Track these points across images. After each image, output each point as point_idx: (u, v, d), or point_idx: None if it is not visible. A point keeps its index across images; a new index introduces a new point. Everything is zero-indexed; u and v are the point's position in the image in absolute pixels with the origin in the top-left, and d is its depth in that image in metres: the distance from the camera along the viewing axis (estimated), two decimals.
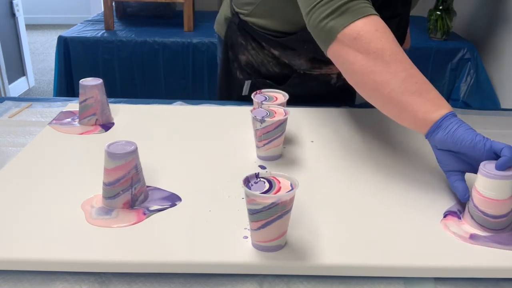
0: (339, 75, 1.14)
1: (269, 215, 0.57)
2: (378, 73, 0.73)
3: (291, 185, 0.60)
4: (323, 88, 1.15)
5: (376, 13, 0.77)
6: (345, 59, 0.76)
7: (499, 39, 2.01)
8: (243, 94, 1.16)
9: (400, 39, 1.09)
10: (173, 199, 0.71)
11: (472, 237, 0.64)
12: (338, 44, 0.76)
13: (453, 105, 1.55)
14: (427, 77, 0.74)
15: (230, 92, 1.20)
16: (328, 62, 1.07)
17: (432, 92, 0.72)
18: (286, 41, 1.05)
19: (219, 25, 1.22)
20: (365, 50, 0.73)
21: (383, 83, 0.73)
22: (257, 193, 0.57)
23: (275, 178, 0.61)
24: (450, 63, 2.08)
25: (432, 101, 0.71)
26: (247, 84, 1.15)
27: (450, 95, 2.12)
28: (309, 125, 1.00)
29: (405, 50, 1.20)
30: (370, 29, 0.75)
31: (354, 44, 0.74)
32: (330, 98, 1.16)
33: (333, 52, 0.78)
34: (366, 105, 1.13)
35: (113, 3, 2.19)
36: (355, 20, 0.75)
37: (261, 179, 0.61)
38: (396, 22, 1.02)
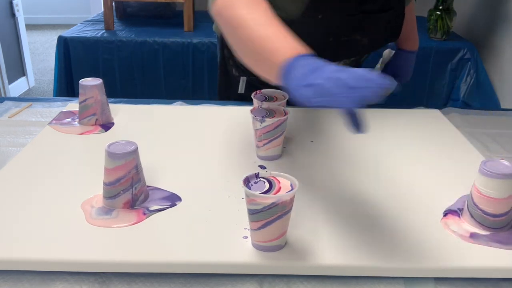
0: None
1: (269, 215, 0.57)
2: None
3: (291, 185, 0.60)
4: None
5: None
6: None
7: (499, 39, 2.01)
8: (239, 91, 1.16)
9: (394, 33, 1.09)
10: (173, 199, 0.71)
11: (473, 236, 0.64)
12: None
13: (453, 105, 1.56)
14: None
15: (228, 90, 1.20)
16: (322, 56, 1.07)
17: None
18: None
19: (217, 24, 1.22)
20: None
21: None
22: (257, 193, 0.57)
23: (275, 178, 0.61)
24: (450, 63, 2.08)
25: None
26: (242, 81, 1.15)
27: (450, 95, 2.12)
28: (309, 125, 1.00)
29: (411, 51, 1.21)
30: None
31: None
32: None
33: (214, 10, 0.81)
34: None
35: (113, 3, 2.19)
36: None
37: (261, 179, 0.61)
38: (387, 16, 1.02)
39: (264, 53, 0.69)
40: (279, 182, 0.60)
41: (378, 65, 1.26)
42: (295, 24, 0.98)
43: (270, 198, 0.57)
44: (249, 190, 0.57)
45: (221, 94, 1.23)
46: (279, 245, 0.61)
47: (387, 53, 1.25)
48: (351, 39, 1.04)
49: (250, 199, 0.58)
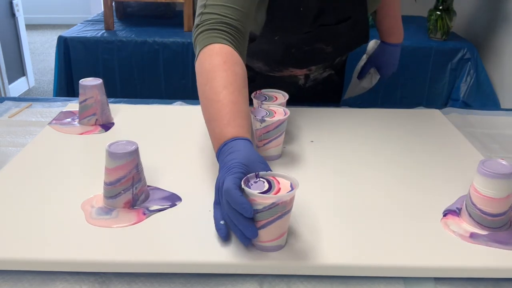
0: (306, 76, 1.15)
1: (270, 215, 0.57)
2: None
3: (291, 185, 0.60)
4: (292, 89, 1.13)
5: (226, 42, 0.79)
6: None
7: (499, 39, 2.01)
8: None
9: (360, 39, 1.10)
10: (173, 199, 0.71)
11: (472, 236, 0.64)
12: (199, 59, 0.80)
13: (453, 105, 1.56)
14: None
15: None
16: (287, 65, 1.08)
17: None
18: None
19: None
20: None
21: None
22: (256, 192, 0.57)
23: (275, 178, 0.61)
24: (450, 63, 2.08)
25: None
26: None
27: (450, 95, 2.12)
28: (309, 125, 1.00)
29: (395, 44, 1.20)
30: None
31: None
32: (303, 99, 1.16)
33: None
34: (364, 105, 1.13)
35: (113, 3, 2.19)
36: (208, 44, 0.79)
37: (261, 179, 0.61)
38: (348, 25, 1.02)
39: (214, 120, 0.72)
40: (279, 183, 0.60)
41: (364, 56, 1.26)
42: (257, 41, 1.00)
43: (271, 198, 0.57)
44: (250, 190, 0.57)
45: None
46: (279, 245, 0.61)
47: (372, 43, 1.25)
48: (315, 47, 1.04)
49: (250, 199, 0.58)
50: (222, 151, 0.67)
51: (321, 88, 1.21)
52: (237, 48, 0.80)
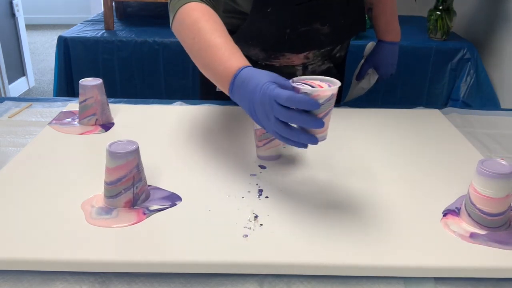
0: (304, 67, 1.14)
1: (327, 107, 0.64)
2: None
3: (328, 85, 0.65)
4: None
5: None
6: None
7: (499, 39, 2.01)
8: (217, 90, 1.17)
9: (356, 22, 1.10)
10: (173, 199, 0.71)
11: (472, 236, 0.64)
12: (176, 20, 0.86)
13: (453, 105, 1.56)
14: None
15: (207, 89, 1.21)
16: (282, 48, 1.07)
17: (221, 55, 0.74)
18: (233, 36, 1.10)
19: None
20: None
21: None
22: (317, 88, 0.63)
23: (307, 81, 0.66)
24: (450, 63, 2.08)
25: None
26: None
27: (450, 95, 2.12)
28: None
29: (392, 42, 1.20)
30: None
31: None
32: None
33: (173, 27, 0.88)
34: (364, 105, 1.13)
35: (113, 3, 2.19)
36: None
37: (297, 83, 0.65)
38: (342, 2, 1.03)
39: (213, 62, 0.75)
40: (314, 83, 0.65)
41: (363, 61, 1.25)
42: (250, 19, 0.99)
43: (329, 91, 0.63)
44: (309, 88, 0.62)
45: (202, 93, 1.24)
46: (326, 135, 0.67)
47: (370, 46, 1.24)
48: (311, 28, 1.03)
49: (312, 96, 0.62)
50: (236, 84, 0.69)
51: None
52: (212, 8, 0.83)
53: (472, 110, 1.16)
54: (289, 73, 1.13)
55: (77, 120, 0.98)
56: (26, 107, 1.08)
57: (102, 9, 2.24)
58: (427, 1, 2.26)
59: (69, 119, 0.99)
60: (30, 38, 4.49)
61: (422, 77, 2.08)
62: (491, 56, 2.07)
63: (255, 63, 1.13)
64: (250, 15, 0.99)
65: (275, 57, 1.10)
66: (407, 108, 1.12)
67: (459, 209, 0.70)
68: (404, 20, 2.58)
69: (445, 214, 0.69)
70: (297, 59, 1.11)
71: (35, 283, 0.59)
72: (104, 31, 2.14)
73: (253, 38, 1.06)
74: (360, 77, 1.25)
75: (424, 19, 2.25)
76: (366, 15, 1.18)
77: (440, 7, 2.10)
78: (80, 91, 0.95)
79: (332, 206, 0.71)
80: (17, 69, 3.41)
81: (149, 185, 0.74)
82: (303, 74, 1.15)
